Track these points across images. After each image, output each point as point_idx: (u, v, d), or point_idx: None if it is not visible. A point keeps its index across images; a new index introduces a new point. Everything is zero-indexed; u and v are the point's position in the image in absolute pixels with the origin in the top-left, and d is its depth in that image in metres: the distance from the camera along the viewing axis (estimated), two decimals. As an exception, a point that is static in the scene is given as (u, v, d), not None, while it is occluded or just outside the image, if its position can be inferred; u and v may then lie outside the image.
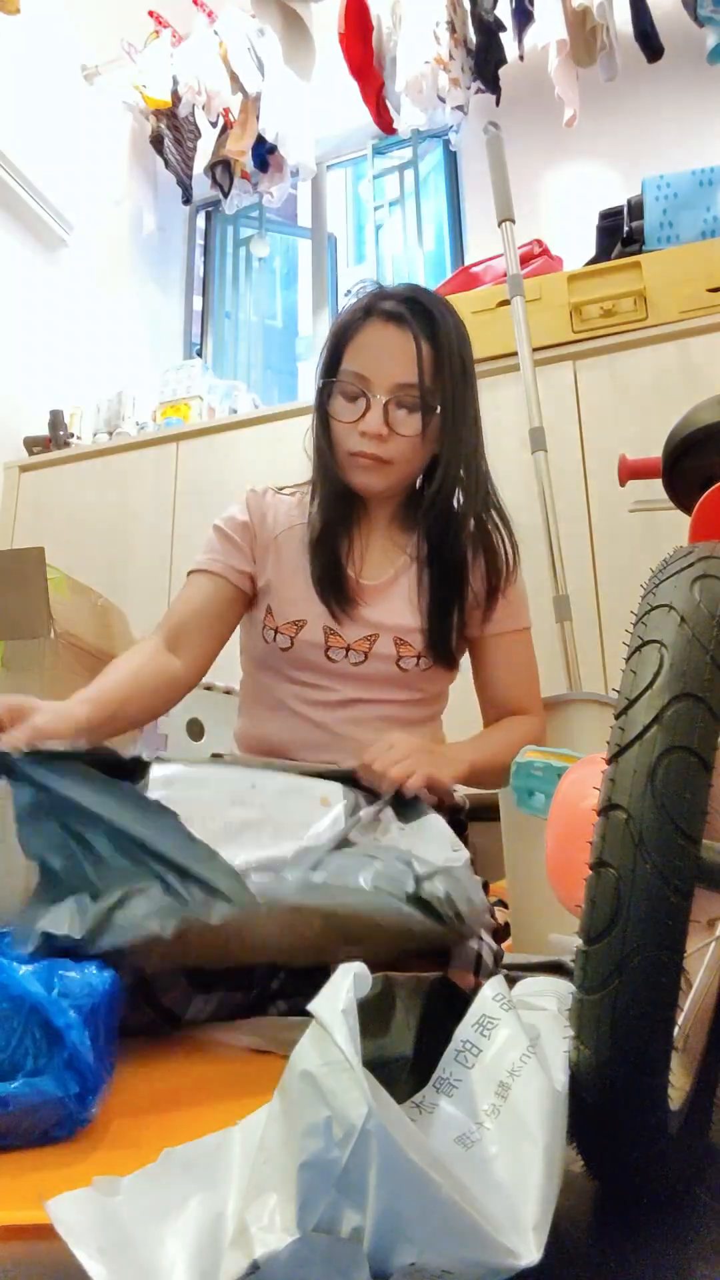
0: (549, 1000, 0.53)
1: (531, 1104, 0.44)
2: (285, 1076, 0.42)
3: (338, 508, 1.19)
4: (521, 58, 2.77)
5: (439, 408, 1.12)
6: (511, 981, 0.56)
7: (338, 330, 1.17)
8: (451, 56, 2.81)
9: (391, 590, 1.19)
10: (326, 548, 1.17)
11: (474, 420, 1.18)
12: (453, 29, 2.80)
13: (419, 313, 1.13)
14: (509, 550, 1.20)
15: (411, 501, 1.23)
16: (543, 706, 1.26)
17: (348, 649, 1.16)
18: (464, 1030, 0.50)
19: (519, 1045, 0.47)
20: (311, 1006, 0.43)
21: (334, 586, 1.16)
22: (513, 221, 1.97)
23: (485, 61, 2.81)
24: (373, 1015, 0.52)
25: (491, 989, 0.52)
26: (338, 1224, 0.35)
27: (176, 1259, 0.38)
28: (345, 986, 0.42)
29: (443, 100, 2.87)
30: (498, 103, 2.84)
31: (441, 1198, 0.36)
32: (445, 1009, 0.56)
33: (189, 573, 1.23)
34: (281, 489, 1.28)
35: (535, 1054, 0.46)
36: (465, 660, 1.26)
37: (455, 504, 1.17)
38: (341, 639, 1.17)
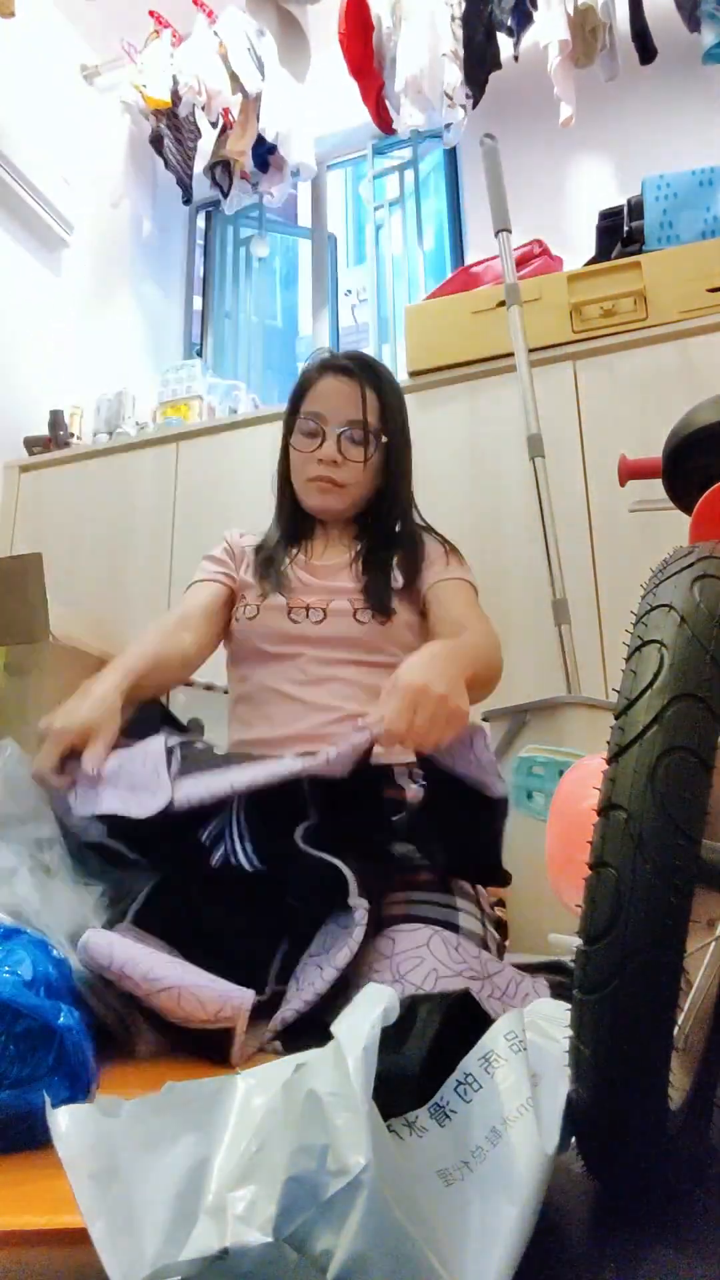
0: (562, 1031, 0.52)
1: (518, 1162, 0.44)
2: (292, 1079, 0.42)
3: (296, 523, 1.43)
4: (516, 58, 2.76)
5: (386, 440, 1.36)
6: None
7: (297, 387, 1.41)
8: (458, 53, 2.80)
9: (339, 570, 1.37)
10: (284, 536, 1.43)
11: (409, 458, 1.45)
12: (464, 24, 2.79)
13: (365, 369, 1.38)
14: (441, 542, 1.41)
15: (356, 524, 1.43)
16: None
17: (307, 609, 1.30)
18: (468, 1062, 0.50)
19: (519, 1095, 0.47)
20: (336, 1028, 0.43)
21: (290, 548, 1.40)
22: (509, 231, 1.97)
23: (482, 63, 2.80)
24: (390, 1031, 0.52)
25: (505, 1025, 0.51)
26: (311, 1241, 0.36)
27: (157, 1199, 0.40)
28: (372, 1019, 0.43)
29: (449, 97, 2.85)
30: (475, 105, 2.83)
31: (415, 1256, 0.37)
32: (463, 1027, 0.56)
33: (186, 588, 1.42)
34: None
35: (533, 1107, 0.46)
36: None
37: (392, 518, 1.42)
38: (301, 600, 1.31)
